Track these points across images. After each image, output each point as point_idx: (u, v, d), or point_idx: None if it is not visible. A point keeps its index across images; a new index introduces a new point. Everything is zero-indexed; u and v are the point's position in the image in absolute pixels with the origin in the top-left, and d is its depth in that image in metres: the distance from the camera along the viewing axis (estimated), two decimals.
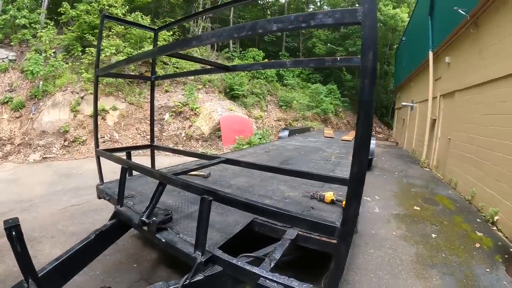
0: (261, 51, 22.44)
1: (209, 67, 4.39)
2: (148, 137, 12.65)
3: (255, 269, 2.01)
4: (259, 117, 17.43)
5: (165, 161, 7.75)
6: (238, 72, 17.30)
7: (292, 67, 4.24)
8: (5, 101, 12.69)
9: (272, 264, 2.10)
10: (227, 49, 23.07)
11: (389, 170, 10.70)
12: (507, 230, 5.30)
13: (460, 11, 7.95)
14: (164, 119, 13.86)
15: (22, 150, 11.43)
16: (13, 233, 1.89)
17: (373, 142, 9.91)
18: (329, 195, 3.43)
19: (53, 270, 2.41)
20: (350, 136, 11.78)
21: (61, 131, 12.07)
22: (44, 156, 11.15)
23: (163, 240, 2.53)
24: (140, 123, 13.38)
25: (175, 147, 12.14)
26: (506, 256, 4.51)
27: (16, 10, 14.28)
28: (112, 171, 4.13)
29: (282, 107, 20.11)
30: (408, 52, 18.22)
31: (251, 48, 22.63)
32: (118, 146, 12.09)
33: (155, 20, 18.82)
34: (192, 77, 16.51)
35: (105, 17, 4.13)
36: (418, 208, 6.55)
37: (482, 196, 6.58)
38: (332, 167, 5.48)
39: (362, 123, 1.51)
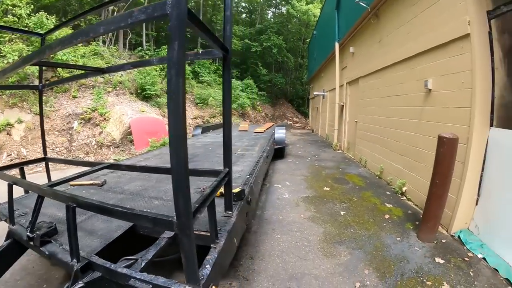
0: None
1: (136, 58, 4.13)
2: (58, 149, 11.63)
3: (126, 271, 1.99)
4: None
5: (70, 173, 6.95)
6: (150, 71, 16.66)
7: (158, 64, 4.12)
8: None
9: (143, 264, 2.08)
10: (140, 47, 21.71)
11: (302, 156, 11.01)
12: (416, 198, 5.72)
13: (361, 3, 8.45)
14: (73, 127, 12.43)
15: None
16: None
17: (282, 131, 10.10)
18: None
19: None
20: (263, 128, 12.02)
21: None
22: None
23: (47, 253, 2.37)
24: (48, 135, 11.85)
25: (75, 159, 10.94)
26: (417, 222, 4.72)
27: None
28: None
29: (199, 104, 19.72)
30: (319, 45, 19.16)
31: (164, 46, 21.56)
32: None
33: (63, 19, 16.85)
34: (102, 79, 15.19)
35: None
36: (328, 189, 6.70)
37: (390, 171, 7.10)
38: (235, 160, 5.46)
39: (173, 115, 1.48)
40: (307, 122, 27.62)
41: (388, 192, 6.42)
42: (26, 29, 12.56)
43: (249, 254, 3.84)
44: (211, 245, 2.31)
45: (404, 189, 6.19)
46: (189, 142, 8.66)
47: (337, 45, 12.52)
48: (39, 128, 12.08)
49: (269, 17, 33.44)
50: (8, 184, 2.91)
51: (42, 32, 4.25)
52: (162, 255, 2.43)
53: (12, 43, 12.53)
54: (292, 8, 29.81)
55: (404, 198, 6.06)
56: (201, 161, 5.60)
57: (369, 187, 6.83)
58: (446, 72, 4.79)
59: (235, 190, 3.14)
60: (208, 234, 2.35)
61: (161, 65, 18.72)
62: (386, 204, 5.70)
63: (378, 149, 7.98)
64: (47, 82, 4.14)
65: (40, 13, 13.98)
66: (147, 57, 19.86)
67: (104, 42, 18.70)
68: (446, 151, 3.91)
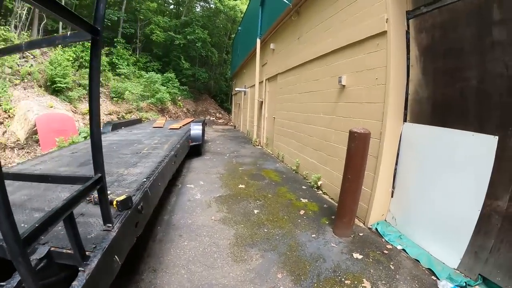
0: None
1: None
2: None
3: None
4: (86, 112, 14.81)
5: None
6: (61, 62, 14.47)
7: (27, 50, 3.44)
8: None
9: None
10: (56, 34, 18.26)
11: (221, 152, 10.59)
12: (331, 191, 5.73)
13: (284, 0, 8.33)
14: None
15: None
16: None
17: (198, 127, 9.52)
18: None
19: None
20: (179, 124, 11.12)
21: None
22: None
23: None
24: None
25: None
26: (333, 217, 4.61)
27: None
28: None
29: (114, 99, 17.85)
30: (243, 41, 18.87)
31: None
32: None
33: None
34: (9, 71, 12.84)
35: None
36: (243, 186, 6.39)
37: (306, 165, 7.10)
38: (137, 160, 4.95)
39: None
40: (230, 118, 27.33)
41: (304, 187, 6.37)
42: None
43: (152, 266, 3.32)
44: (79, 268, 1.82)
45: (319, 183, 6.20)
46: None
47: (258, 41, 12.36)
48: None
49: (197, 10, 32.13)
50: None
51: None
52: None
53: None
54: (220, 2, 29.11)
55: (320, 192, 6.06)
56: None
57: (285, 183, 6.71)
58: (361, 69, 4.80)
59: (120, 197, 2.69)
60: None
61: (75, 54, 16.55)
62: (301, 199, 5.60)
63: (294, 144, 7.98)
64: None
65: None
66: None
67: (16, 27, 15.82)
68: (357, 146, 3.84)
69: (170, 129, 9.82)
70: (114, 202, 2.66)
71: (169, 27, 26.21)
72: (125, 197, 2.70)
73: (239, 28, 21.24)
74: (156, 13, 26.21)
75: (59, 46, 16.40)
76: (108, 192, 2.98)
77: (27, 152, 10.39)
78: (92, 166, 2.13)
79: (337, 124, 5.55)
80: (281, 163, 8.72)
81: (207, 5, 31.75)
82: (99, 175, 2.13)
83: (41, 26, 17.74)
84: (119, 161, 4.93)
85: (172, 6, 31.25)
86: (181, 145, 6.83)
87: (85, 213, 2.64)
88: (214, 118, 26.33)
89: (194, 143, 8.98)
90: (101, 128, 10.25)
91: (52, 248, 1.99)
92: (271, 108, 11.03)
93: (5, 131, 10.75)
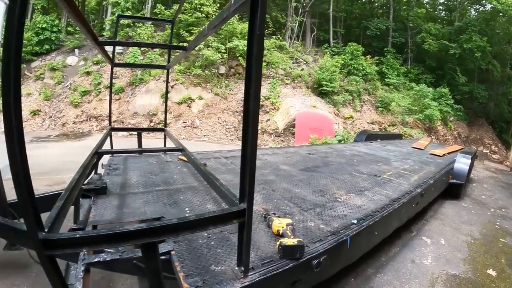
0: (359, 46, 18.75)
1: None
2: (228, 127, 12.59)
3: None
4: (349, 117, 14.90)
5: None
6: (329, 67, 15.27)
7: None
8: (109, 86, 13.94)
9: None
10: (326, 44, 20.38)
11: (484, 203, 7.20)
12: None
13: None
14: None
15: (114, 126, 12.46)
16: None
17: (466, 161, 6.75)
18: (279, 223, 2.23)
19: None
20: (444, 150, 8.39)
21: (150, 113, 13.00)
22: (130, 133, 11.96)
23: None
24: (222, 113, 13.24)
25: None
26: None
27: (120, 11, 16.01)
28: None
29: (379, 108, 16.64)
30: None
31: (350, 43, 19.09)
32: (197, 132, 12.58)
33: (245, 16, 18.15)
34: (283, 72, 15.25)
35: (120, 17, 4.62)
36: (494, 274, 3.82)
37: None
38: (368, 186, 3.81)
39: None
40: (508, 155, 19.86)
41: None
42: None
43: None
44: None
45: None
46: (340, 148, 7.03)
47: None
48: (216, 106, 13.61)
49: (472, 13, 26.24)
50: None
51: (171, 19, 4.30)
52: None
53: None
54: (498, 1, 20.75)
55: None
56: (324, 175, 4.24)
57: None
58: None
59: (288, 240, 1.92)
60: None
61: (341, 61, 17.19)
62: None
63: None
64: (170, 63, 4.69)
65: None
66: (327, 52, 18.52)
67: (290, 37, 18.86)
68: None
69: (431, 154, 7.68)
70: (278, 243, 1.93)
71: (441, 34, 22.44)
72: (295, 243, 1.88)
73: None
74: (426, 19, 23.30)
75: (328, 53, 18.32)
76: (290, 215, 2.60)
77: (282, 140, 12.20)
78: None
79: None
80: None
81: (481, 7, 25.24)
82: (243, 207, 1.59)
83: (312, 36, 19.87)
84: (346, 179, 4.06)
85: (443, 13, 27.17)
86: (436, 180, 5.04)
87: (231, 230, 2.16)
88: (488, 151, 19.54)
89: (455, 181, 6.54)
90: (356, 136, 9.71)
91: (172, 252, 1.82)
92: None
93: (269, 119, 12.93)
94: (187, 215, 2.42)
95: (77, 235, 1.29)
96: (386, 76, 19.51)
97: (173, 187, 3.17)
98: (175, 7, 16.13)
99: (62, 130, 13.57)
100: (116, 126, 11.23)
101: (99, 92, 14.47)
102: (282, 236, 2.11)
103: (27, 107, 14.89)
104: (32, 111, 14.60)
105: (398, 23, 22.87)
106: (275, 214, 2.48)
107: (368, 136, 9.11)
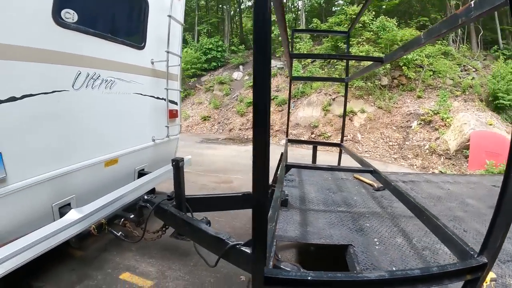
0: None
1: None
2: (391, 143, 11.64)
3: None
4: None
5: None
6: (505, 75, 12.17)
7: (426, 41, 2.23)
8: (272, 98, 15.12)
9: None
10: (496, 46, 16.43)
11: None
12: None
13: None
14: (410, 127, 11.78)
15: (277, 135, 13.50)
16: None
17: None
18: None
19: (197, 199, 3.32)
20: None
21: (311, 125, 13.25)
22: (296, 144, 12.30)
23: None
24: (385, 128, 12.13)
25: (402, 166, 10.20)
26: None
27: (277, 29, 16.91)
28: None
29: None
30: None
31: None
32: (358, 147, 11.94)
33: (409, 22, 16.63)
34: (451, 82, 13.22)
35: (294, 31, 4.33)
36: None
37: None
38: None
39: None
40: None
41: None
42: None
43: None
44: None
45: None
46: None
47: None
48: (379, 120, 12.67)
49: None
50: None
51: (346, 30, 4.10)
52: None
53: (359, 45, 13.91)
54: None
55: None
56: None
57: None
58: None
59: None
60: None
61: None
62: None
63: None
64: (350, 76, 4.19)
65: (381, 16, 14.87)
66: (500, 56, 14.87)
67: (454, 41, 16.51)
68: None
69: None
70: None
71: None
72: None
73: None
74: None
75: (500, 56, 14.80)
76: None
77: (452, 164, 10.12)
78: None
79: None
80: None
81: None
82: (482, 261, 1.30)
83: (479, 38, 16.76)
84: None
85: None
86: None
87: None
88: None
89: None
90: None
91: None
92: None
93: (438, 137, 11.02)
94: (376, 246, 2.20)
95: (309, 277, 1.19)
96: None
97: (356, 210, 2.93)
98: (331, 19, 16.20)
99: (229, 134, 15.29)
100: (291, 138, 11.92)
101: None
102: None
103: (199, 113, 17.40)
104: (203, 117, 16.99)
105: None
106: None
107: None
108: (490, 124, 10.85)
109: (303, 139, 12.29)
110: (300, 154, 10.01)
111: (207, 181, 6.91)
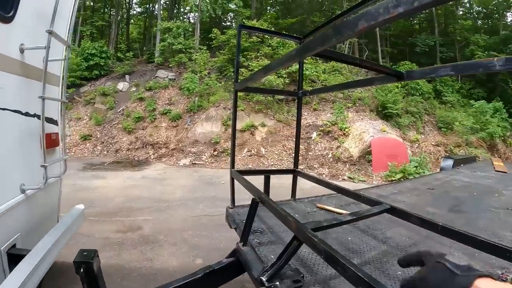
0: (413, 64, 17.55)
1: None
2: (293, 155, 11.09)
3: None
4: (414, 140, 13.32)
5: (306, 185, 5.24)
6: (391, 89, 13.86)
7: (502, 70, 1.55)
8: (164, 112, 13.66)
9: None
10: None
11: None
12: None
13: None
14: (311, 137, 11.86)
15: (175, 154, 11.95)
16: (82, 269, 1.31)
17: None
18: None
19: None
20: None
21: (212, 141, 11.91)
22: (193, 162, 11.19)
23: None
24: (287, 140, 11.84)
25: (319, 176, 9.73)
26: None
27: (172, 38, 15.90)
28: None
29: (442, 129, 15.09)
30: None
31: (402, 62, 18.08)
32: (264, 161, 11.19)
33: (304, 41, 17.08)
34: (341, 95, 13.84)
35: (241, 27, 3.42)
36: None
37: None
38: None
39: None
40: None
41: None
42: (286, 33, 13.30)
43: None
44: None
45: None
46: (442, 178, 5.74)
47: None
48: (280, 133, 11.69)
49: (509, 20, 24.41)
50: (252, 200, 2.12)
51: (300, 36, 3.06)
52: None
53: (258, 59, 13.81)
54: None
55: None
56: (473, 214, 3.17)
57: None
58: None
59: None
60: None
61: (401, 82, 15.83)
62: None
63: None
64: (307, 90, 3.37)
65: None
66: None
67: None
68: None
69: None
70: None
71: (488, 45, 20.89)
72: None
73: None
74: (472, 31, 21.55)
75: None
76: None
77: (358, 169, 10.68)
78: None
79: None
80: None
81: None
82: None
83: (364, 57, 18.36)
84: (496, 217, 3.12)
85: (479, 22, 25.20)
86: None
87: None
88: None
89: None
90: (442, 162, 8.23)
91: None
92: None
93: (339, 146, 11.55)
94: None
95: None
96: (442, 94, 17.80)
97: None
98: (230, 31, 15.46)
99: (115, 156, 12.59)
100: (239, 169, 10.25)
101: (154, 118, 13.53)
102: None
103: (77, 132, 14.07)
104: (83, 135, 13.72)
105: (445, 38, 21.30)
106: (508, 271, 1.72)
107: (454, 162, 7.69)
108: (384, 131, 11.88)
109: (250, 167, 10.62)
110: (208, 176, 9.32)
111: (107, 230, 4.87)
